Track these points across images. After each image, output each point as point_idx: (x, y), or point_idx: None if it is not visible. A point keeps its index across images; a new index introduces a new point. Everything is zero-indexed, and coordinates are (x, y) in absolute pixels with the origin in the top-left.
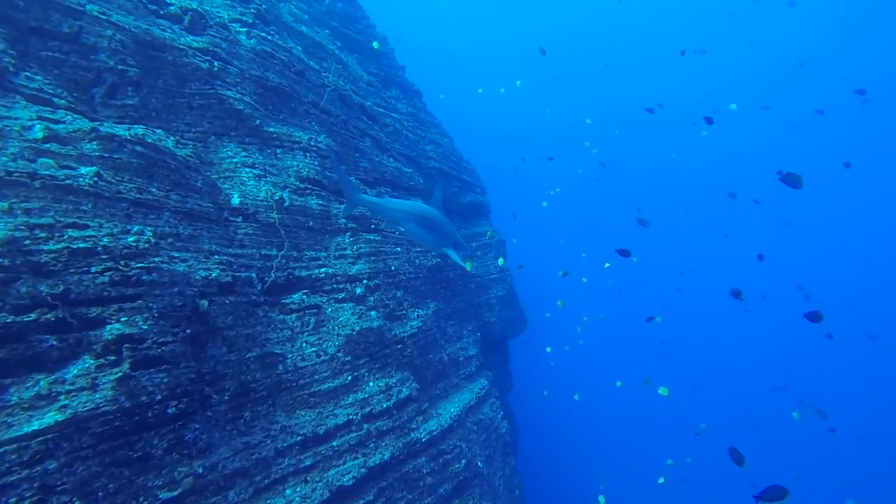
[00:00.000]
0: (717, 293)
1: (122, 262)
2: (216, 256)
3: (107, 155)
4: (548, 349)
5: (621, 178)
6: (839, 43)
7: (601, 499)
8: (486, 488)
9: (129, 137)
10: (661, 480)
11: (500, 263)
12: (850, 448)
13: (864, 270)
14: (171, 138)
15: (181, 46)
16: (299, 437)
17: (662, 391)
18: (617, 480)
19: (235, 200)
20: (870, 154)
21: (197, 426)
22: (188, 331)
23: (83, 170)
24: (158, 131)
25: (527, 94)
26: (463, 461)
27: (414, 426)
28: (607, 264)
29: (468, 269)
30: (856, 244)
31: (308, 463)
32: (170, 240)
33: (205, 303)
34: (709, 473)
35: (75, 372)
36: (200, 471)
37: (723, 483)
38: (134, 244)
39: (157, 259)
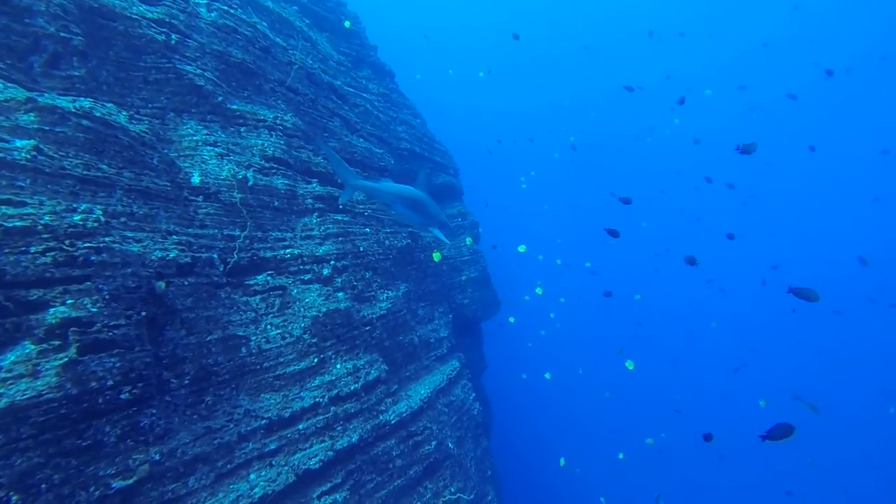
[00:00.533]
0: (691, 274)
1: (66, 242)
2: (174, 237)
3: (47, 128)
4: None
5: (597, 160)
6: (806, 25)
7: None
8: (458, 469)
9: (73, 110)
10: (621, 456)
11: (468, 243)
12: (806, 420)
13: (832, 249)
14: (125, 113)
15: (133, 16)
16: (264, 421)
17: (629, 364)
18: (593, 458)
19: (196, 179)
20: (836, 136)
21: (154, 412)
22: (143, 313)
23: (18, 143)
24: (109, 105)
25: (504, 76)
26: (433, 443)
27: (383, 408)
28: (588, 263)
29: (448, 244)
30: (824, 223)
31: (273, 447)
32: (122, 219)
33: (162, 284)
34: (684, 448)
35: (12, 358)
36: (157, 457)
37: (696, 455)
38: (81, 223)
39: (107, 239)
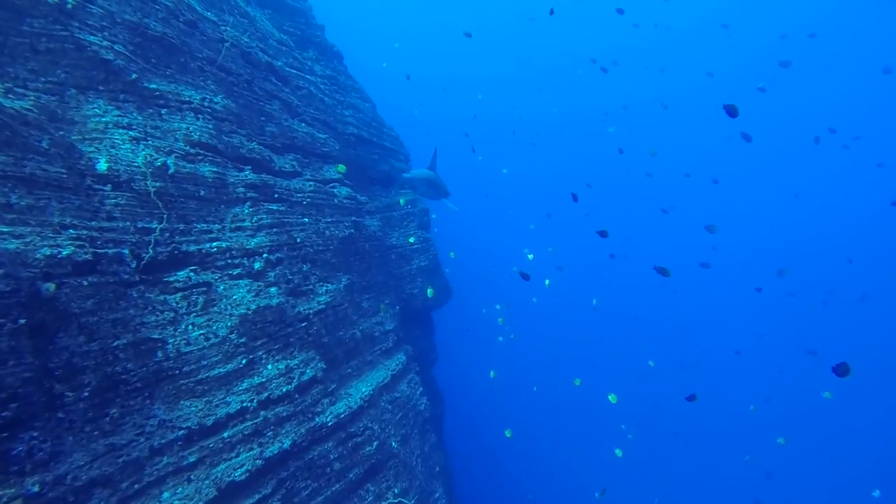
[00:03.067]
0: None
1: None
2: (71, 231)
3: None
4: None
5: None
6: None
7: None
8: (402, 469)
9: None
10: (619, 453)
11: (410, 241)
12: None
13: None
14: None
15: None
16: (182, 432)
17: (612, 398)
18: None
19: (102, 166)
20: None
21: (34, 434)
22: (22, 321)
23: None
24: None
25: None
26: (375, 443)
27: (319, 409)
28: (551, 248)
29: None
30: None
31: (192, 459)
32: None
33: (50, 286)
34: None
35: None
36: (36, 489)
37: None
38: None
39: None
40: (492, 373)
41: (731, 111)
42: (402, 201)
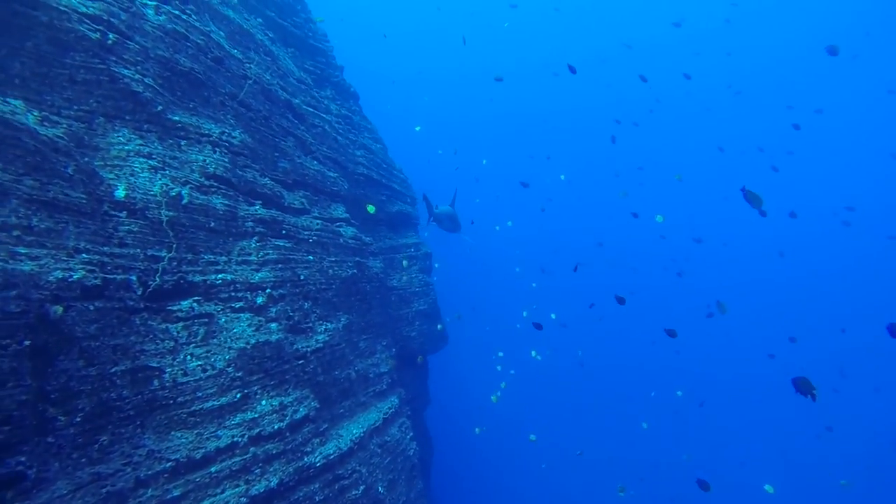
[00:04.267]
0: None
1: None
2: (84, 255)
3: None
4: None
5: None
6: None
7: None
8: None
9: None
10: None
11: (404, 265)
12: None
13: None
14: (35, 113)
15: (62, 7)
16: (169, 464)
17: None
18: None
19: (120, 193)
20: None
21: (21, 459)
22: (27, 342)
23: None
24: (15, 102)
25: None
26: (361, 487)
27: (308, 449)
28: (510, 222)
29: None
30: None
31: (177, 493)
32: (15, 233)
33: (58, 309)
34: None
35: None
36: None
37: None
38: None
39: None
40: (477, 429)
41: (751, 199)
42: (415, 245)
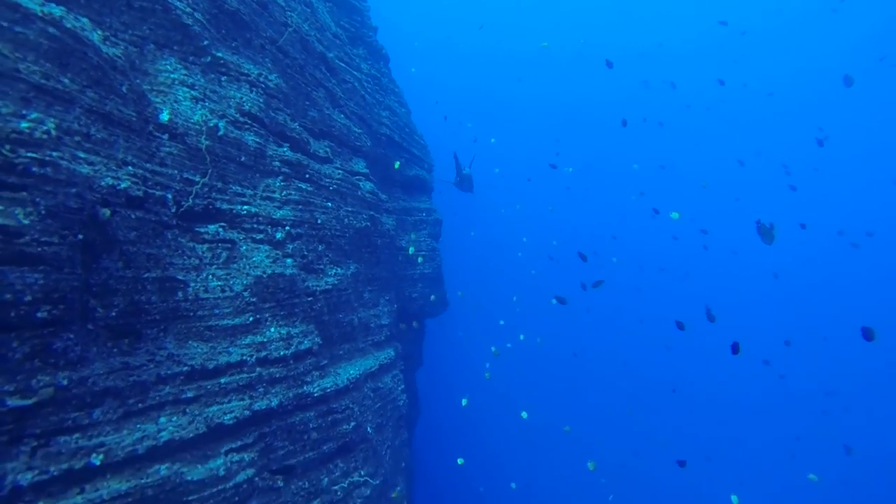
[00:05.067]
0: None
1: (6, 147)
2: (130, 168)
3: (4, 24)
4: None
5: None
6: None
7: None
8: (372, 454)
9: (39, 14)
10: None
11: (410, 252)
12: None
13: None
14: (99, 32)
15: None
16: (186, 368)
17: (591, 466)
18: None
19: (164, 117)
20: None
21: (71, 336)
22: (80, 237)
23: None
24: (83, 20)
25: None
26: (352, 423)
27: (309, 380)
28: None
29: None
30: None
31: (190, 395)
32: (77, 138)
33: (107, 212)
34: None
35: None
36: (65, 383)
37: None
38: (27, 131)
39: (55, 154)
40: (464, 400)
41: (764, 233)
42: (427, 210)
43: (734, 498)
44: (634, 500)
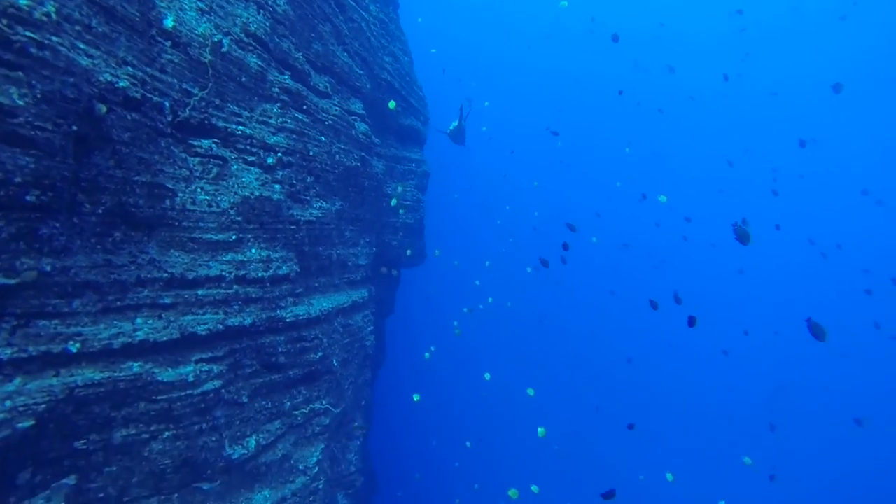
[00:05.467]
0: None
1: (3, 21)
2: (129, 68)
3: None
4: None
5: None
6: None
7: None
8: (335, 386)
9: None
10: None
11: (392, 203)
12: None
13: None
14: None
15: None
16: (166, 275)
17: (530, 391)
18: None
19: (168, 23)
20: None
21: (57, 225)
22: (74, 128)
23: None
24: None
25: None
26: (319, 354)
27: (283, 305)
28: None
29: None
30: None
31: (167, 301)
32: (77, 27)
33: (103, 108)
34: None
35: None
36: (48, 269)
37: None
38: (26, 9)
39: (55, 38)
40: (427, 353)
41: (741, 234)
42: (416, 160)
43: (668, 476)
44: (584, 468)
